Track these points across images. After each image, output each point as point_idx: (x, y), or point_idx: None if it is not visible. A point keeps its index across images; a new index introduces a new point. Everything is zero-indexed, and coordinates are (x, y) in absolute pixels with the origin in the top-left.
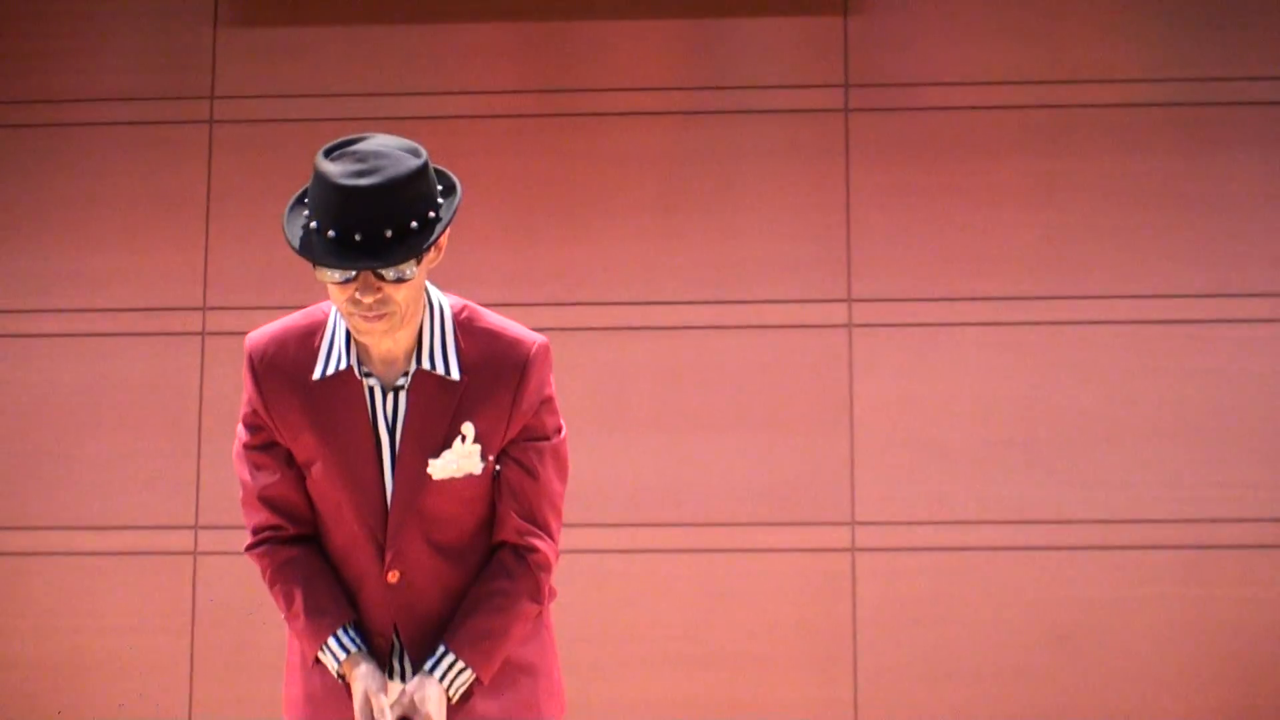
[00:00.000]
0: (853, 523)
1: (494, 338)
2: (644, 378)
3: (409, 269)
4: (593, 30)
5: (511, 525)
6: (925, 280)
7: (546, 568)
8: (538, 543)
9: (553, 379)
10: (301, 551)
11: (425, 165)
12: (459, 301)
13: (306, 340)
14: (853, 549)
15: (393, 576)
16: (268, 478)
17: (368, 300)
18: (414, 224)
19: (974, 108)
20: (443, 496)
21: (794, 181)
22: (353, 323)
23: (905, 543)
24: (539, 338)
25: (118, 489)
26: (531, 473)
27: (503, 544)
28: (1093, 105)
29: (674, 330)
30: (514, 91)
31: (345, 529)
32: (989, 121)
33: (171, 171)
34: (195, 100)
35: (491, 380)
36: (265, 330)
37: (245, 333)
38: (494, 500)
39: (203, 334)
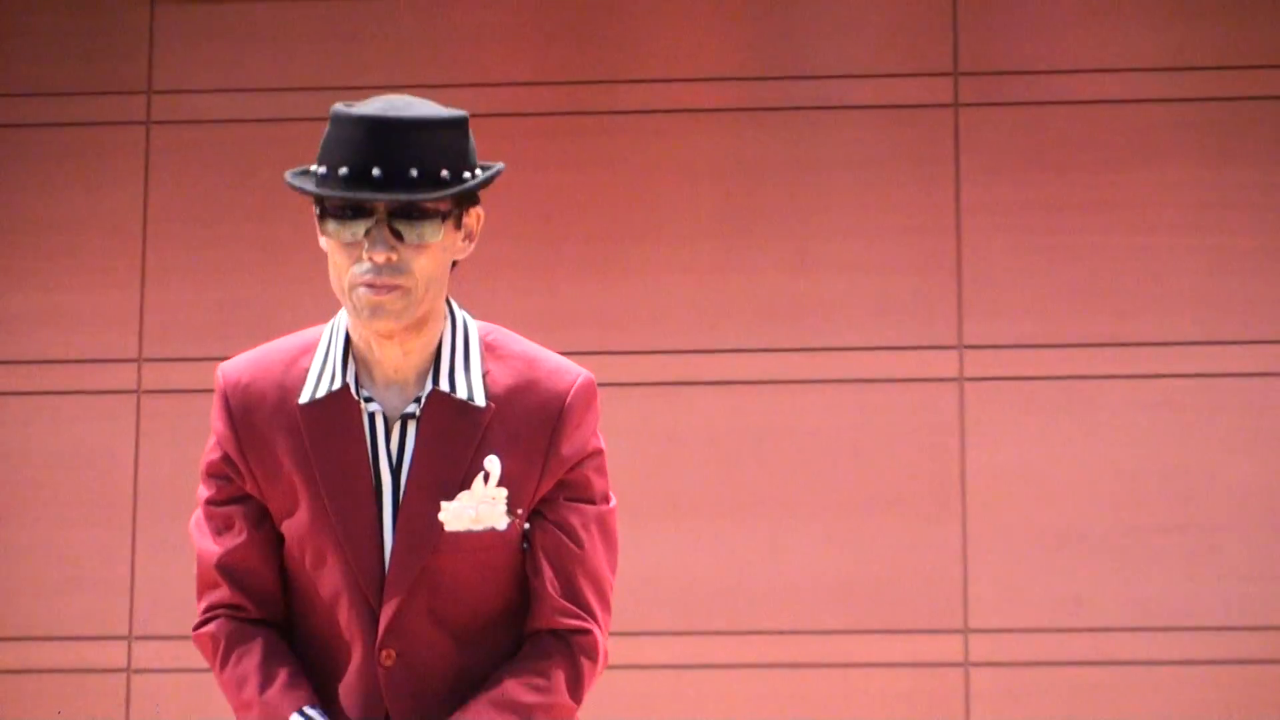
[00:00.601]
0: (965, 630)
1: (529, 364)
2: (701, 446)
3: (431, 229)
4: (634, 7)
5: (549, 606)
6: (1055, 322)
7: (594, 656)
8: (585, 625)
9: (600, 431)
10: (263, 632)
11: (465, 120)
12: (487, 325)
13: (294, 363)
14: (966, 663)
15: (387, 657)
16: (231, 540)
17: (379, 259)
18: (445, 173)
19: (1118, 101)
20: (457, 557)
21: (890, 197)
22: (357, 299)
23: (1030, 655)
24: (584, 371)
25: (30, 590)
26: (575, 539)
27: (538, 631)
28: (1273, 98)
29: (738, 386)
30: (534, 83)
31: (328, 598)
32: (1139, 119)
33: (98, 185)
34: (128, 96)
35: (524, 414)
36: (244, 356)
37: (190, 390)
38: (523, 576)
39: (138, 392)
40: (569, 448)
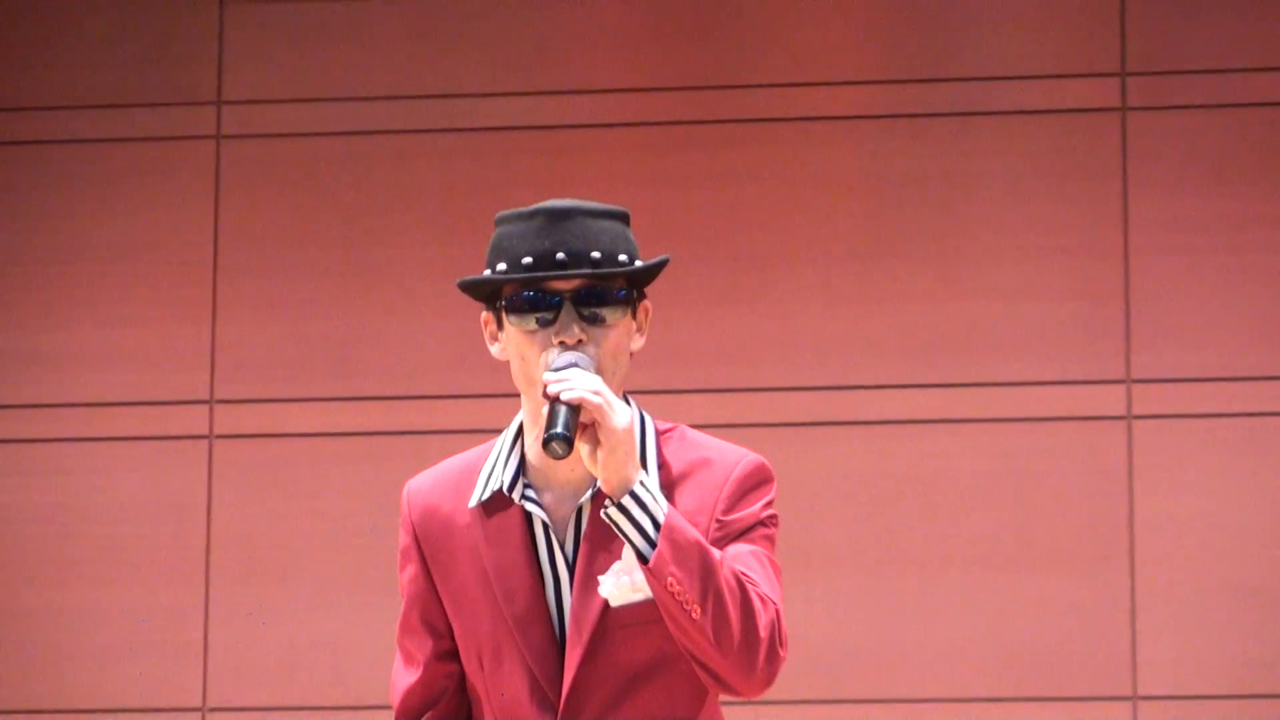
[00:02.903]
0: (1134, 697)
1: (705, 448)
2: (837, 494)
3: (616, 311)
4: (758, 3)
5: None
6: (1234, 353)
7: (777, 618)
8: (760, 591)
9: (776, 510)
10: None
11: (628, 215)
12: (667, 422)
13: (469, 472)
14: None
15: None
16: (409, 677)
17: (571, 341)
18: (623, 257)
19: None
20: (630, 639)
21: (1050, 213)
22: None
23: None
24: (758, 456)
25: (95, 658)
26: (745, 550)
27: None
28: None
29: (878, 426)
30: (648, 89)
31: (510, 697)
32: None
33: (165, 207)
34: (196, 107)
35: (692, 489)
36: (426, 471)
37: (266, 435)
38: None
39: (210, 437)
40: (735, 516)
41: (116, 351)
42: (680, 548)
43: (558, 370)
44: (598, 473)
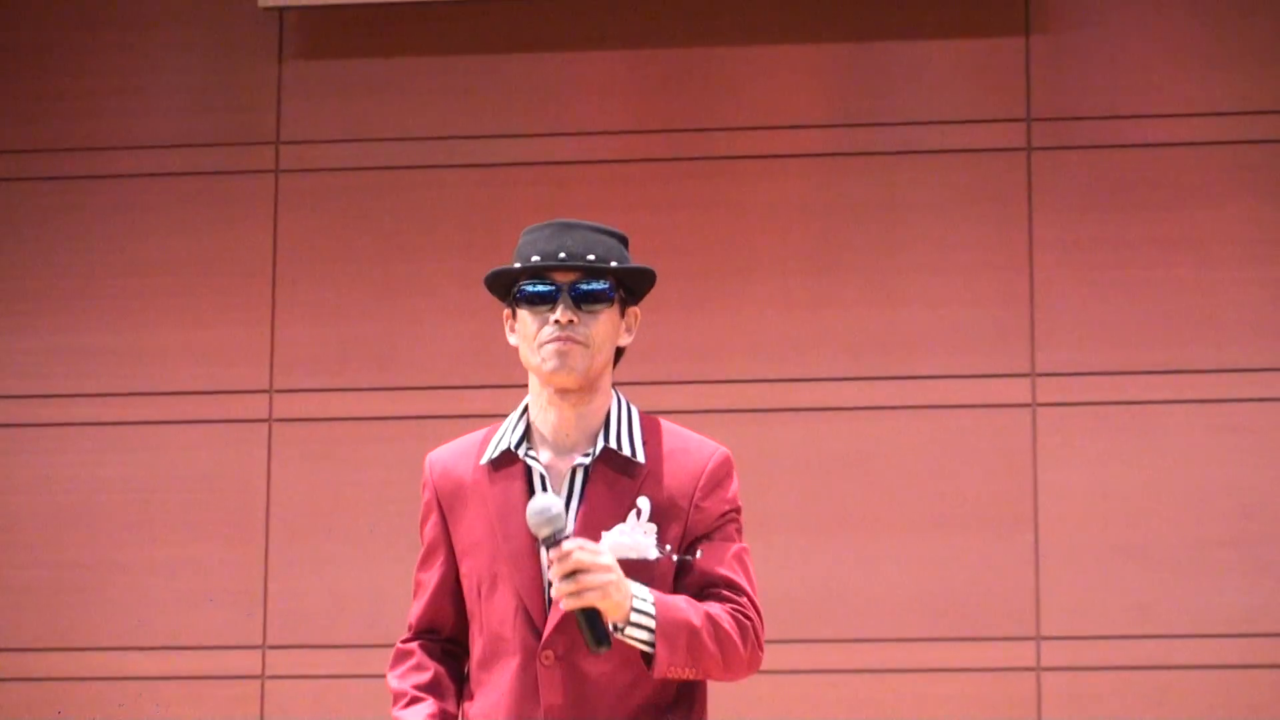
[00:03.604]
0: (1038, 638)
1: (680, 438)
2: (788, 468)
3: (603, 302)
4: (724, 58)
5: (712, 594)
6: (1123, 350)
7: (757, 623)
8: (749, 613)
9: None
10: (435, 665)
11: (626, 238)
12: (649, 414)
13: (482, 442)
14: (1038, 668)
15: (547, 658)
16: (418, 605)
17: (564, 319)
18: (613, 263)
19: (1182, 144)
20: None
21: (966, 235)
22: (545, 354)
23: (1100, 661)
24: (725, 448)
25: (172, 603)
26: (727, 566)
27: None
28: None
29: (823, 412)
30: (630, 132)
31: (499, 616)
32: (1200, 160)
33: (231, 230)
34: (258, 146)
35: (673, 472)
36: (444, 445)
37: (317, 419)
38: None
39: (269, 420)
40: (710, 503)
41: (191, 349)
42: (673, 641)
43: (534, 512)
44: (609, 613)
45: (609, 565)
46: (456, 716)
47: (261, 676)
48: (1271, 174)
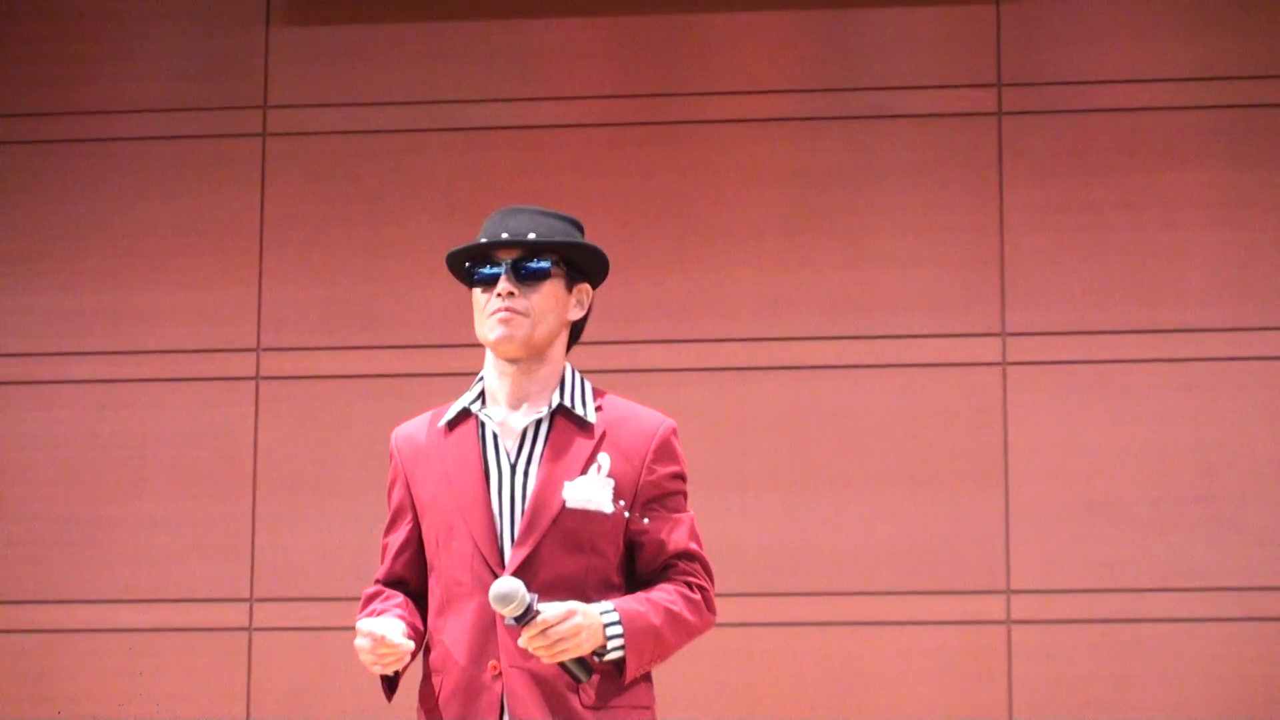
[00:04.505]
0: (1008, 591)
1: (629, 407)
2: (764, 426)
3: (542, 276)
4: (701, 24)
5: (663, 563)
6: (1091, 311)
7: (708, 602)
8: (698, 580)
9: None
10: (401, 598)
11: (578, 221)
12: (600, 388)
13: (440, 412)
14: (1008, 621)
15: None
16: (382, 567)
17: (504, 292)
18: (558, 240)
19: (1149, 109)
20: (570, 529)
21: (938, 198)
22: (489, 325)
23: (1068, 614)
24: (670, 419)
25: (162, 557)
26: (676, 534)
27: (653, 574)
28: None
29: (799, 371)
30: (610, 96)
31: (455, 560)
32: (1166, 125)
33: (220, 193)
34: (246, 110)
35: (626, 436)
36: (408, 420)
37: (304, 376)
38: (619, 569)
39: (256, 378)
40: (661, 466)
41: (180, 308)
42: (641, 649)
43: (496, 598)
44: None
45: (572, 611)
46: (423, 634)
47: (249, 629)
48: (1237, 138)
